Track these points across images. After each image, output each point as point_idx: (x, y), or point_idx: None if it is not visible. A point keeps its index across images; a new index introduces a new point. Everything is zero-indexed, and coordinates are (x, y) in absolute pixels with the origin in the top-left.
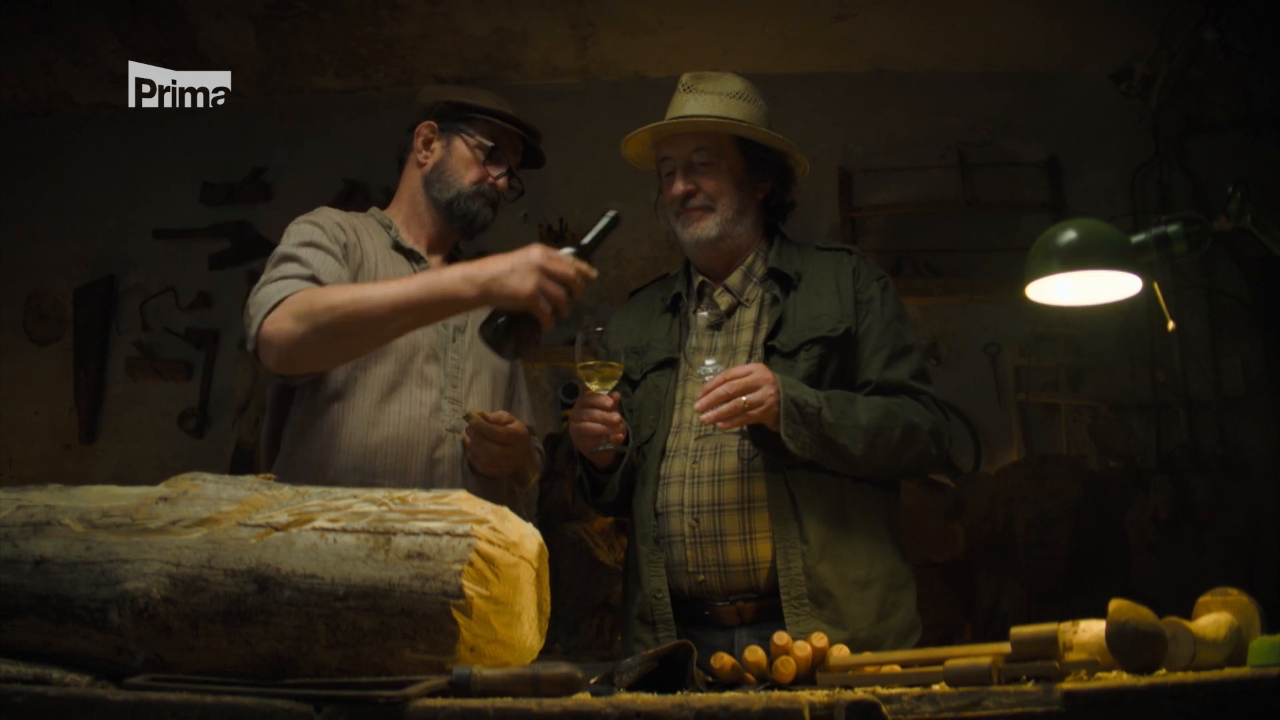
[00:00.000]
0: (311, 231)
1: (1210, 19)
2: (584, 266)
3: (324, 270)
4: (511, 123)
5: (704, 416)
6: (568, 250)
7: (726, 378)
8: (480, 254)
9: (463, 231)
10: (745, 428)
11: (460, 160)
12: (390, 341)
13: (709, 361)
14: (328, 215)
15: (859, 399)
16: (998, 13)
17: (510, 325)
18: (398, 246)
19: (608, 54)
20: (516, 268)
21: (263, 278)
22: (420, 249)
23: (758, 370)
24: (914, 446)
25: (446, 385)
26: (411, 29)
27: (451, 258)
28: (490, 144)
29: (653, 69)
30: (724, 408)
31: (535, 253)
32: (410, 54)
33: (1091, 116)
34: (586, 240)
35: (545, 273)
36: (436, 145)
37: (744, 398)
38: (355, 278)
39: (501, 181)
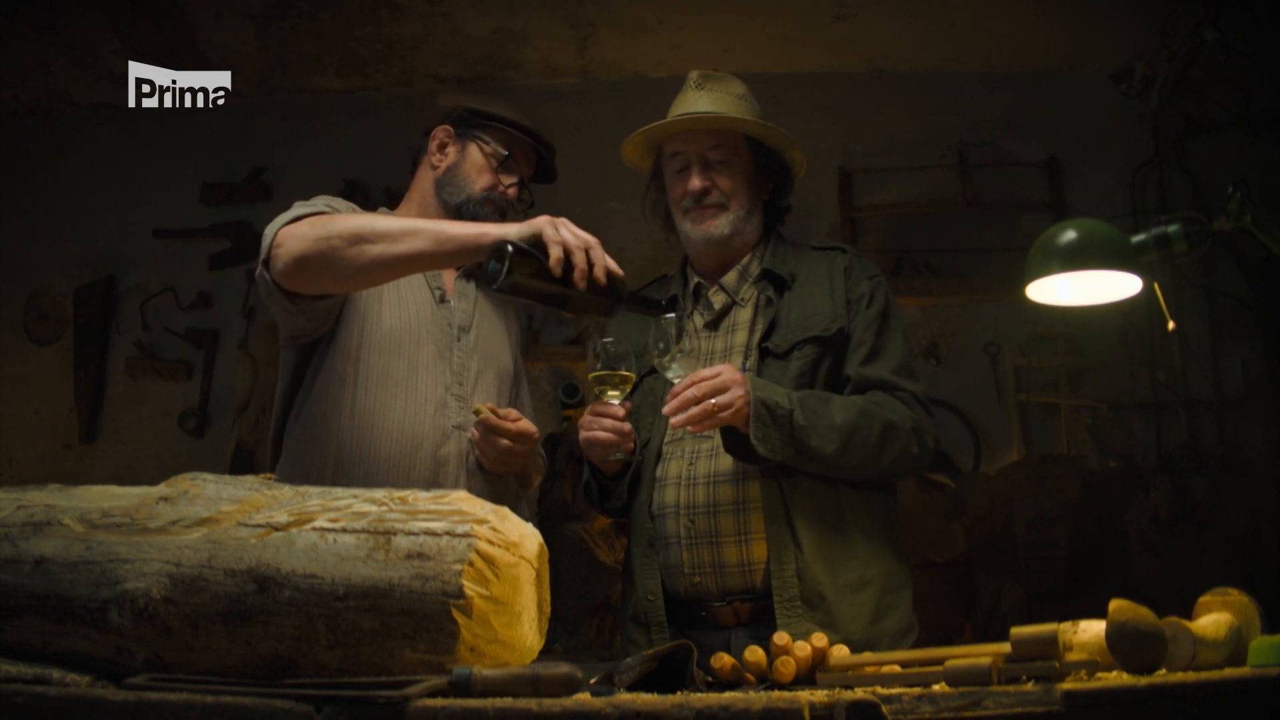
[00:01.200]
0: (328, 201)
1: (1210, 19)
2: (614, 265)
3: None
4: (528, 134)
5: (673, 420)
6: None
7: (695, 380)
8: None
9: None
10: (719, 431)
11: (473, 166)
12: (400, 272)
13: (674, 365)
14: (343, 201)
15: (835, 399)
16: (998, 13)
17: (517, 252)
18: None
19: (608, 54)
20: (545, 217)
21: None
22: None
23: (727, 371)
24: (894, 445)
25: (452, 383)
26: (411, 29)
27: None
28: (505, 153)
29: (653, 69)
30: (693, 410)
31: (563, 221)
32: (410, 54)
33: (1091, 116)
34: (636, 293)
35: (565, 223)
36: (451, 149)
37: (713, 400)
38: None
39: (512, 191)
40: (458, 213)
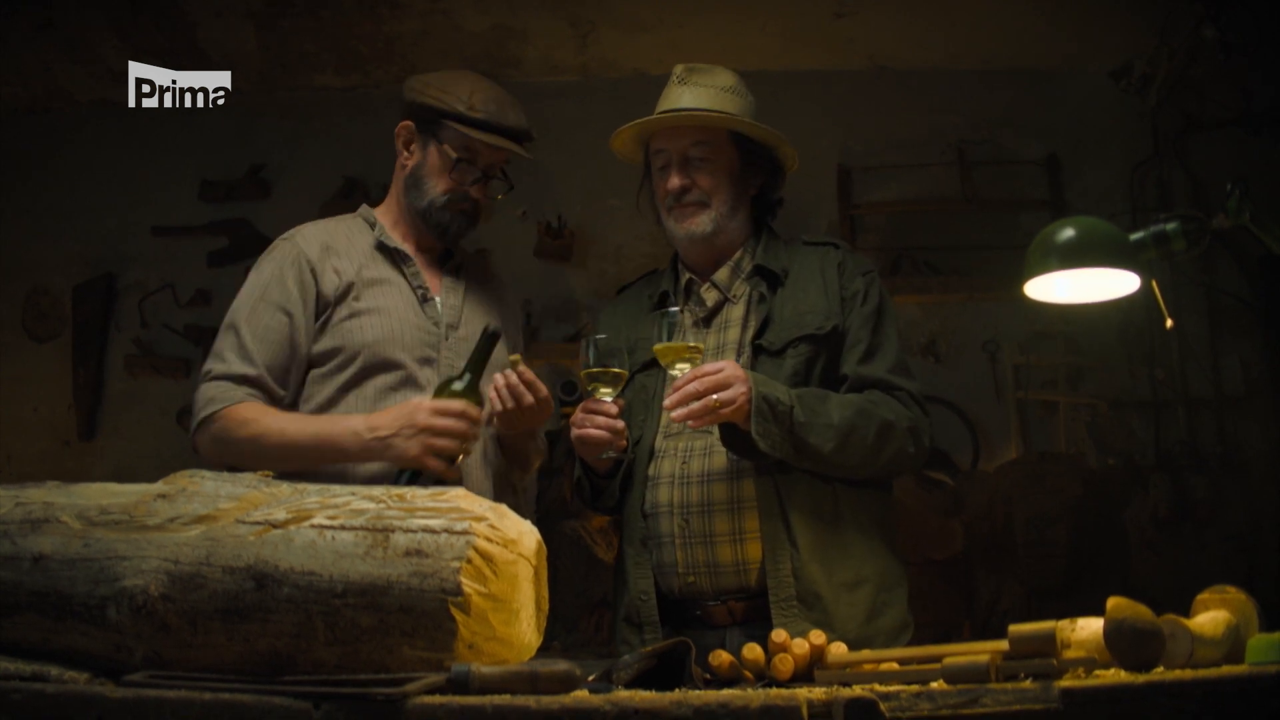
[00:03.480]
0: (270, 279)
1: (1210, 17)
2: (474, 412)
3: (265, 341)
4: (484, 129)
5: (674, 415)
6: (459, 383)
7: (697, 375)
8: (480, 251)
9: (439, 240)
10: (717, 426)
11: (432, 169)
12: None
13: (680, 364)
14: (300, 242)
15: (832, 397)
16: (998, 11)
17: (412, 480)
18: (381, 246)
19: (608, 52)
20: (403, 430)
21: (211, 352)
22: (408, 248)
23: (729, 367)
24: (890, 445)
25: None
26: (411, 26)
27: (446, 254)
28: (455, 156)
29: (653, 66)
30: (695, 405)
31: (421, 414)
32: (410, 51)
33: (1091, 115)
34: (468, 365)
35: (431, 432)
36: (415, 147)
37: (715, 396)
38: (330, 303)
39: (475, 188)
40: (423, 217)
